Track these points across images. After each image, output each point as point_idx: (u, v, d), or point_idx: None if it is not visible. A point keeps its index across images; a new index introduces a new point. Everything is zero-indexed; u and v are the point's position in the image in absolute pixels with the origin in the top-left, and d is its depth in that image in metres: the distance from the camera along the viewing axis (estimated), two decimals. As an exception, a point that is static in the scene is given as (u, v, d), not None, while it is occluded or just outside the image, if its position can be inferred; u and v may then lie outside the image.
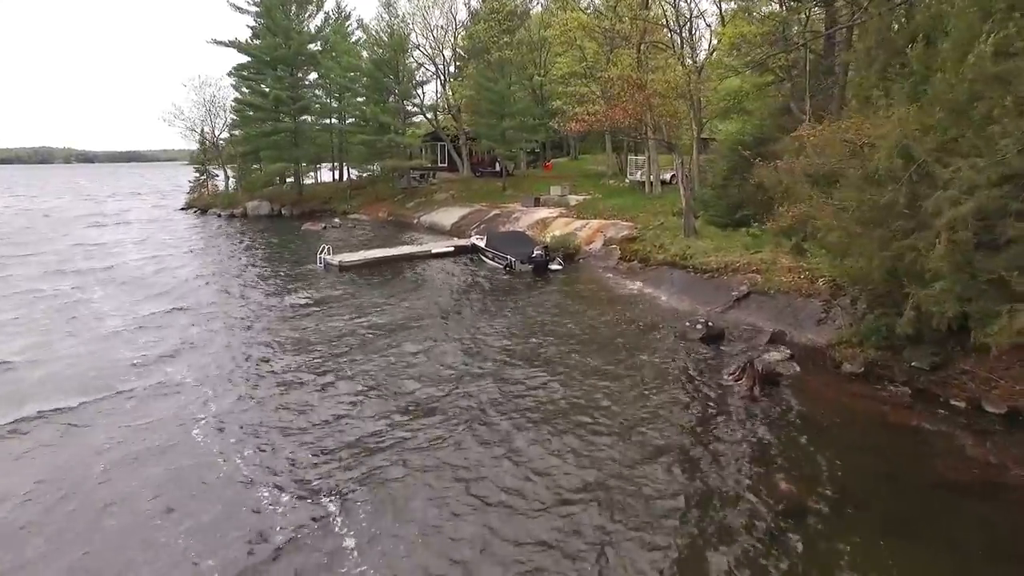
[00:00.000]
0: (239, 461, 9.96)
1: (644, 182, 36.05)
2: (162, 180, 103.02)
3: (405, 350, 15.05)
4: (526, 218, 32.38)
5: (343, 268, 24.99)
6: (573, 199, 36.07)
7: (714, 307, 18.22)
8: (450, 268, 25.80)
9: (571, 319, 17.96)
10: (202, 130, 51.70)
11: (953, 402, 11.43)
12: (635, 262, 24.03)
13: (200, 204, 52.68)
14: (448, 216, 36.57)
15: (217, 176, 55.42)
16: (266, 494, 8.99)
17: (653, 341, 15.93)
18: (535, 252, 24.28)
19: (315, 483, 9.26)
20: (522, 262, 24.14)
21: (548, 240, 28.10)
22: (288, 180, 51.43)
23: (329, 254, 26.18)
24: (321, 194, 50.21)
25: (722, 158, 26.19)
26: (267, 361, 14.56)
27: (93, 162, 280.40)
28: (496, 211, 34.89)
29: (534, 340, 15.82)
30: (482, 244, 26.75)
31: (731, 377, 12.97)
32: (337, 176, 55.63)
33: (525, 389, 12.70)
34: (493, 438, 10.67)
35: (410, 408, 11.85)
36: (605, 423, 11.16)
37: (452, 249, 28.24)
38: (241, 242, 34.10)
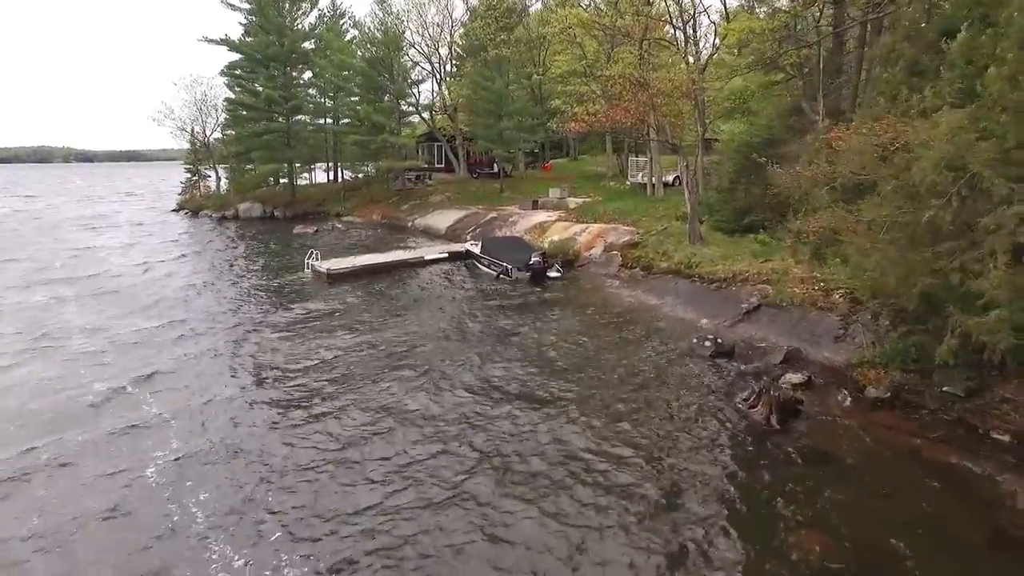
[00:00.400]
0: (198, 535, 8.41)
1: (646, 184, 34.89)
2: (159, 180, 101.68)
3: (392, 389, 13.05)
4: (524, 222, 31.23)
5: (332, 276, 23.84)
6: (572, 202, 34.92)
7: (722, 320, 17.08)
8: (443, 276, 24.64)
9: (571, 335, 16.79)
10: (192, 130, 50.51)
11: (995, 435, 10.29)
12: (637, 269, 22.89)
13: (192, 206, 51.50)
14: (443, 219, 35.42)
15: (209, 177, 54.23)
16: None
17: (660, 360, 14.78)
18: (532, 259, 23.12)
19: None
20: (519, 269, 23.00)
21: (546, 245, 26.96)
22: (282, 181, 50.29)
23: (317, 260, 25.04)
24: (315, 195, 49.06)
25: (728, 160, 25.08)
26: (243, 398, 12.88)
27: (92, 161, 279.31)
28: (493, 214, 33.74)
29: (533, 369, 14.46)
30: (477, 250, 25.59)
31: (746, 404, 11.82)
32: (332, 177, 54.48)
33: (529, 437, 11.28)
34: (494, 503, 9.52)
35: (400, 467, 10.17)
36: (618, 477, 10.00)
37: (446, 255, 27.09)
38: (229, 248, 32.94)
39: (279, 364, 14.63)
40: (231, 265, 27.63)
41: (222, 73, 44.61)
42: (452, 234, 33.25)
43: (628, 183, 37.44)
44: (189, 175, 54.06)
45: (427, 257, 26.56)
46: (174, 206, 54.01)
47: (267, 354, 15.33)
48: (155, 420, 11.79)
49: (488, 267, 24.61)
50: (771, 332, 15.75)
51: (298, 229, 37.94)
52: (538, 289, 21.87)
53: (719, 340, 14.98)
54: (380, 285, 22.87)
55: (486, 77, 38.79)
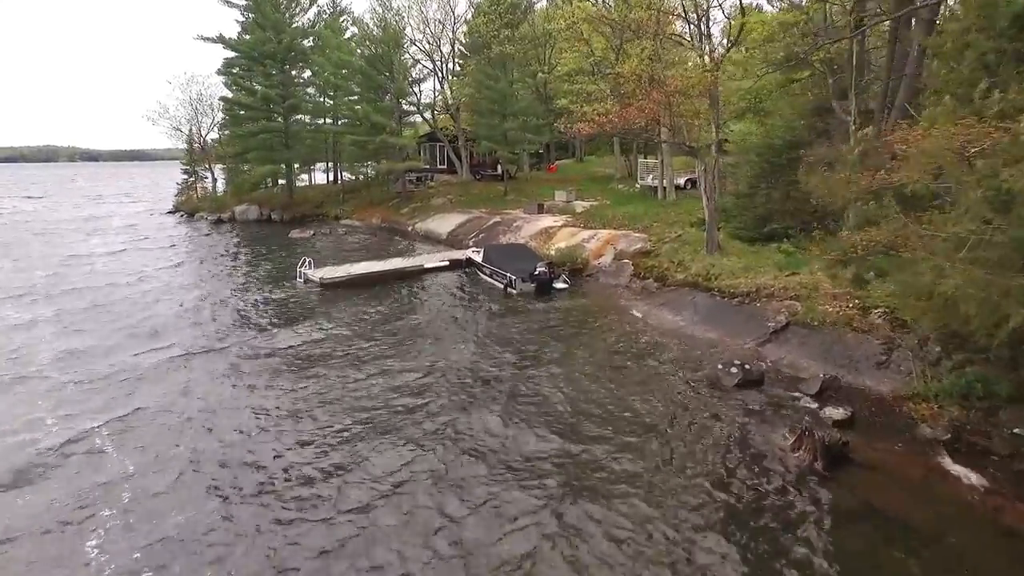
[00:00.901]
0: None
1: (656, 187, 33.36)
2: (162, 179, 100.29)
3: (377, 453, 10.58)
4: (529, 227, 29.74)
5: (325, 285, 22.43)
6: (579, 205, 33.43)
7: (746, 340, 15.57)
8: (443, 288, 23.18)
9: (581, 361, 15.32)
10: (190, 130, 49.18)
11: (1084, 493, 8.77)
12: (651, 280, 21.38)
13: (188, 208, 50.25)
14: (444, 224, 33.97)
15: (206, 178, 52.90)
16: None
17: (680, 390, 13.29)
18: (538, 268, 21.62)
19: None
20: (523, 280, 21.51)
21: (552, 253, 25.49)
22: (280, 182, 48.91)
23: (310, 268, 23.63)
24: (313, 198, 47.67)
25: (746, 164, 23.55)
26: (213, 450, 10.88)
27: (97, 160, 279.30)
28: (496, 219, 32.26)
29: (542, 427, 13.02)
30: (479, 259, 24.10)
31: (785, 447, 10.32)
32: (331, 178, 53.13)
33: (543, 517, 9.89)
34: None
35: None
36: (636, 538, 8.53)
37: (446, 263, 25.62)
38: (222, 255, 31.49)
39: (261, 409, 13.02)
40: (221, 276, 26.17)
41: (219, 72, 43.26)
42: (454, 239, 31.81)
43: (638, 186, 35.92)
44: (186, 176, 52.72)
45: (427, 265, 25.11)
46: (170, 208, 52.85)
47: (246, 398, 13.48)
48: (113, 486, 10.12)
49: (490, 277, 23.13)
50: (802, 355, 14.24)
51: (294, 233, 36.57)
52: (543, 305, 20.33)
53: (746, 366, 13.46)
54: (375, 300, 21.35)
55: (489, 76, 37.31)
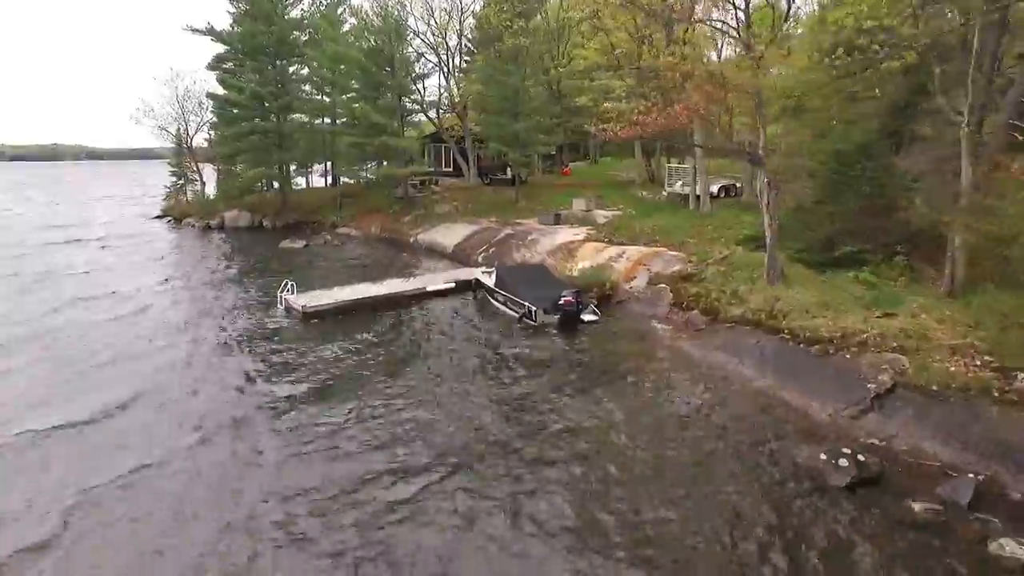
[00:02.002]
0: None
1: (687, 196, 29.80)
2: (162, 179, 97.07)
3: None
4: (546, 240, 26.23)
5: (308, 315, 19.00)
6: (601, 215, 29.91)
7: (838, 406, 12.04)
8: (447, 317, 19.72)
9: (623, 435, 11.82)
10: (178, 129, 45.81)
11: None
12: (696, 313, 17.88)
13: (176, 212, 46.94)
14: (450, 235, 30.48)
15: (195, 181, 49.55)
16: None
17: (768, 491, 9.77)
18: (562, 296, 18.06)
19: None
20: (545, 311, 18.00)
21: (575, 273, 22.00)
22: (277, 185, 45.47)
23: (292, 293, 20.21)
24: (308, 203, 44.26)
25: (809, 173, 19.97)
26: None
27: (103, 159, 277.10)
28: (508, 230, 28.76)
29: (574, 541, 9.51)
30: (490, 282, 20.58)
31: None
32: (329, 182, 49.77)
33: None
34: None
35: None
36: None
37: (452, 285, 22.14)
38: (204, 271, 27.94)
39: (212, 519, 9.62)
40: (198, 299, 22.75)
41: (209, 67, 39.86)
42: (460, 253, 28.32)
43: (664, 193, 32.35)
44: (174, 179, 49.42)
45: (429, 288, 21.62)
46: (158, 212, 49.60)
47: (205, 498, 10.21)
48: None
49: (505, 305, 19.63)
50: (923, 435, 10.73)
51: (285, 244, 33.18)
52: (568, 345, 16.82)
53: (860, 457, 9.94)
54: (362, 337, 17.79)
55: (500, 71, 33.81)
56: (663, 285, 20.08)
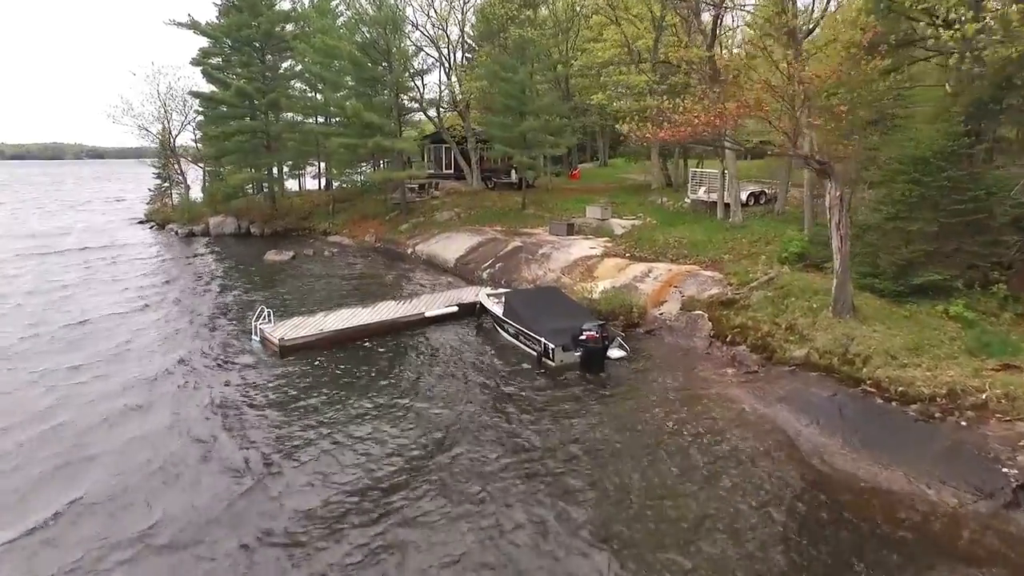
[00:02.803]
0: None
1: (715, 203, 26.94)
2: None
3: None
4: (559, 255, 23.37)
5: (286, 350, 16.15)
6: (618, 225, 27.08)
7: (964, 497, 9.18)
8: (449, 351, 16.84)
9: (674, 544, 8.97)
10: (163, 128, 42.84)
11: None
12: (743, 349, 15.07)
13: (160, 217, 44.10)
14: (452, 246, 27.61)
15: (181, 183, 46.62)
16: None
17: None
18: (584, 329, 15.15)
19: None
20: (564, 347, 15.13)
21: (595, 295, 19.14)
22: (268, 188, 42.58)
23: (270, 322, 17.36)
24: (300, 208, 41.40)
25: (876, 183, 17.08)
26: None
27: (103, 158, 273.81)
28: (516, 242, 25.89)
29: None
30: (497, 309, 17.66)
31: None
32: (323, 185, 46.96)
33: None
34: None
35: None
36: None
37: (454, 309, 19.29)
38: (179, 287, 25.05)
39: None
40: (167, 321, 19.90)
41: (193, 63, 36.90)
42: (463, 268, 25.45)
43: (688, 200, 29.46)
44: (159, 181, 46.54)
45: (428, 313, 18.74)
46: (141, 216, 46.77)
47: None
48: None
49: (515, 338, 16.73)
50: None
51: (270, 256, 30.27)
52: (594, 393, 13.96)
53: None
54: (353, 372, 15.10)
55: (505, 66, 30.94)
56: (700, 312, 17.25)
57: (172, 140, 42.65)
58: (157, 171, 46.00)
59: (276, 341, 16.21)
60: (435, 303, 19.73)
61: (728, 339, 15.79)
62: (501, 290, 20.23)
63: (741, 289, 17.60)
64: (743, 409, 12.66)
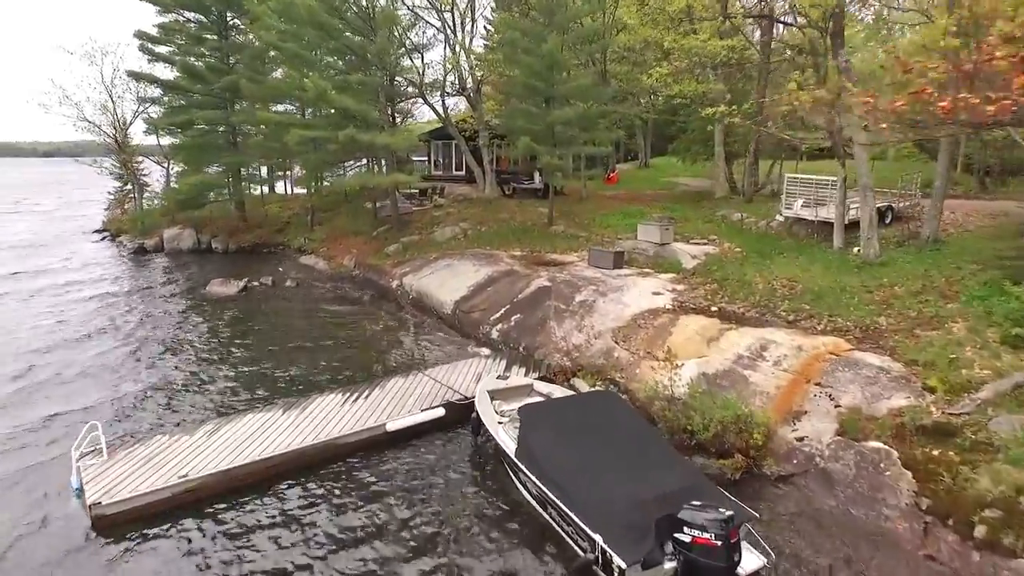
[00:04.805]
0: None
1: (821, 223, 18.89)
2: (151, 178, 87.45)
3: None
4: (609, 306, 15.44)
5: (104, 523, 8.53)
6: (685, 252, 19.14)
7: None
8: (423, 525, 9.07)
9: None
10: (112, 120, 35.59)
11: None
12: (1004, 546, 7.10)
13: (116, 227, 37.13)
14: (451, 281, 19.77)
15: (148, 185, 39.42)
16: None
17: None
18: (691, 525, 7.13)
19: None
20: (647, 563, 7.20)
21: (676, 392, 11.18)
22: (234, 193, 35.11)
23: (100, 459, 9.73)
24: (276, 218, 34.05)
25: None
26: None
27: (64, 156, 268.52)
28: (541, 278, 18.01)
29: None
30: (507, 438, 9.76)
31: None
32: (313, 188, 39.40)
33: None
34: None
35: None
36: None
37: (440, 414, 11.46)
38: (72, 346, 17.63)
39: None
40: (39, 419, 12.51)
41: (136, 35, 29.46)
42: (464, 318, 17.63)
43: (780, 217, 21.30)
44: (119, 185, 39.46)
45: (391, 427, 10.94)
46: (98, 225, 39.83)
47: None
48: None
49: (543, 507, 8.82)
50: None
51: (214, 287, 22.84)
52: None
53: None
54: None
55: (529, 33, 23.06)
56: (879, 445, 9.30)
57: (123, 133, 35.34)
58: (116, 173, 38.84)
59: (88, 508, 8.59)
60: (405, 400, 11.92)
61: (957, 519, 7.88)
62: (515, 379, 12.38)
63: (957, 401, 9.64)
64: None
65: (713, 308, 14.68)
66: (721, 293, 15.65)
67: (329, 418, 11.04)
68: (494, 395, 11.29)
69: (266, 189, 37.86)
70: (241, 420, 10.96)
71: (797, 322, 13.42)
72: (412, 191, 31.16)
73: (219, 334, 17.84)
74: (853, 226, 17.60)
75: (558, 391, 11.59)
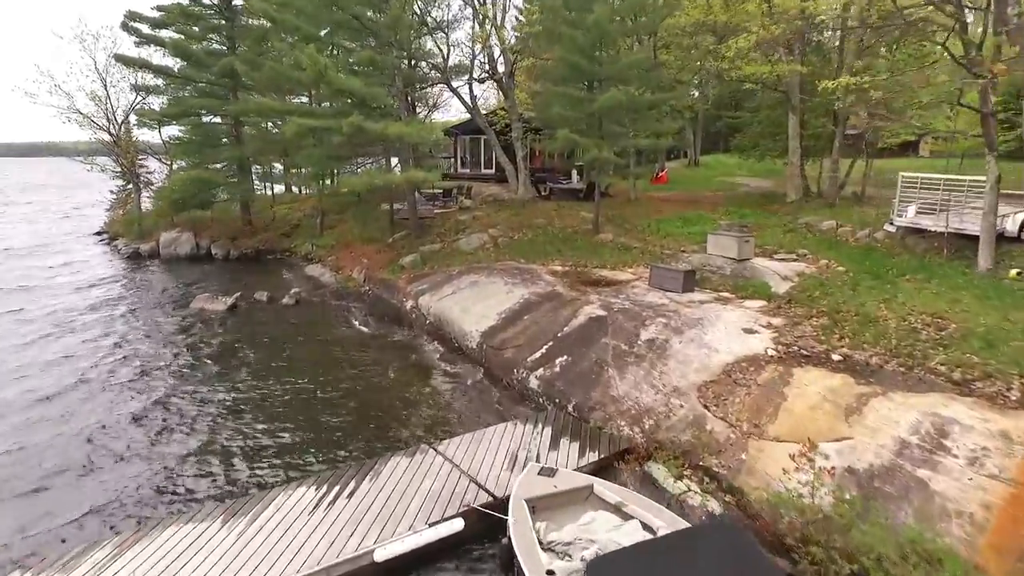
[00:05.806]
0: None
1: (936, 233, 14.70)
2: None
3: None
4: (689, 349, 11.50)
5: None
6: (770, 270, 15.09)
7: None
8: None
9: None
10: (107, 113, 32.57)
11: None
12: None
13: (115, 230, 34.33)
14: (477, 305, 15.96)
15: (152, 184, 36.48)
16: None
17: None
18: None
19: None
20: None
21: (806, 498, 7.25)
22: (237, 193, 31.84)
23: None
24: (285, 220, 30.75)
25: None
26: None
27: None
28: (593, 304, 14.12)
29: None
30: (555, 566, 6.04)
31: None
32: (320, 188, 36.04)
33: None
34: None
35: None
36: None
37: (459, 527, 7.66)
38: (62, 363, 14.50)
39: None
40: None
41: (126, 18, 26.38)
42: (493, 355, 13.78)
43: (891, 227, 17.03)
44: (122, 183, 36.61)
45: (380, 557, 7.16)
46: (98, 227, 37.16)
47: None
48: None
49: None
50: None
51: (200, 303, 19.49)
52: None
53: None
54: None
55: (572, 3, 19.18)
56: None
57: (120, 127, 32.31)
58: (118, 171, 35.94)
59: None
60: (407, 501, 8.11)
61: None
62: (565, 476, 8.36)
63: None
64: None
65: (834, 356, 10.63)
66: (836, 332, 11.56)
67: (290, 535, 7.32)
68: (536, 505, 7.46)
69: (280, 188, 34.60)
70: (156, 539, 7.29)
71: (970, 384, 9.30)
72: (435, 191, 27.53)
73: (183, 377, 14.14)
74: (1017, 238, 13.37)
75: (632, 498, 7.67)
